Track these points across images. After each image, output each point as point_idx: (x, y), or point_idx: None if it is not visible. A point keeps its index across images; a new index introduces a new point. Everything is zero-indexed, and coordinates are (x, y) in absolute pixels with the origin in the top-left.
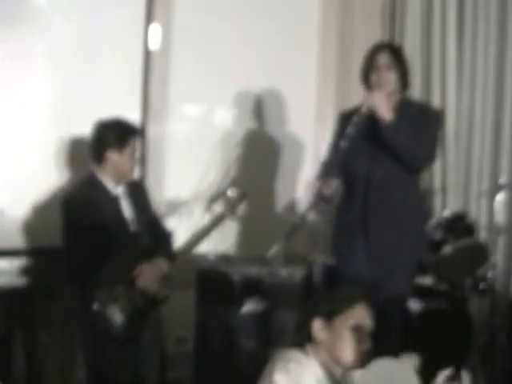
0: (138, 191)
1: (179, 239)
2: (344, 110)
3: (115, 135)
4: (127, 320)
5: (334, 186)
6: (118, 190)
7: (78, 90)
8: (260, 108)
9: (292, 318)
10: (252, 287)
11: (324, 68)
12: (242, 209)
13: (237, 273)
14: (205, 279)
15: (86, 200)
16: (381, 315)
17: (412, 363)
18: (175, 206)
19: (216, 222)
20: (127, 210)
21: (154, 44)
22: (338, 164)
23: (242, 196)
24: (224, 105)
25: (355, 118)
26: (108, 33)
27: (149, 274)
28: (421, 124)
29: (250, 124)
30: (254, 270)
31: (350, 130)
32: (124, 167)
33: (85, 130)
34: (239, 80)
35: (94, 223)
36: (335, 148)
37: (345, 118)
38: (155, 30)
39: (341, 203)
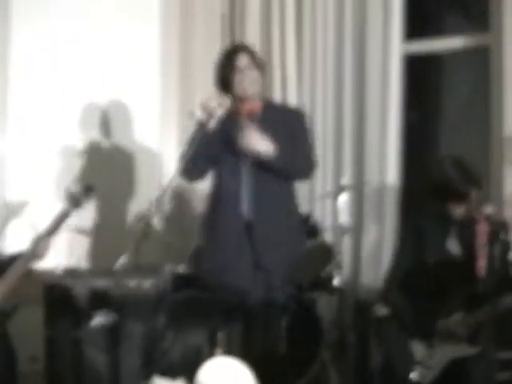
0: None
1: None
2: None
3: None
4: None
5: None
6: None
7: None
8: (105, 120)
9: (141, 329)
10: (100, 300)
11: (166, 73)
12: (93, 219)
13: (84, 286)
14: (52, 294)
15: None
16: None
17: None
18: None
19: (62, 219)
20: None
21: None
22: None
23: (88, 190)
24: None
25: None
26: None
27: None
28: (295, 130)
29: (96, 136)
30: (101, 283)
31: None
32: None
33: None
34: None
35: None
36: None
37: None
38: None
39: (217, 212)
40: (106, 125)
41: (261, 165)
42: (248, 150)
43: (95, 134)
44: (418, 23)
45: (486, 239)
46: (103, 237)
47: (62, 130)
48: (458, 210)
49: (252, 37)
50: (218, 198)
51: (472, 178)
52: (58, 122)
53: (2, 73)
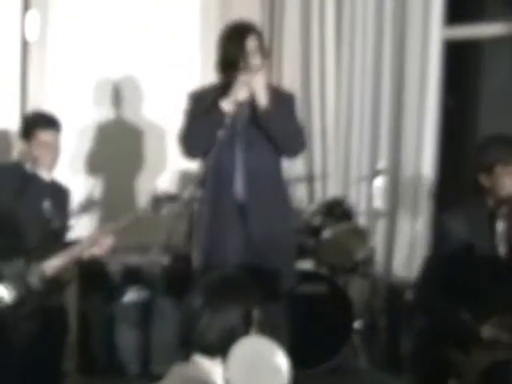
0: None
1: None
2: (195, 90)
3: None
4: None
5: None
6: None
7: None
8: (119, 95)
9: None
10: (133, 277)
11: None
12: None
13: (118, 262)
14: (86, 269)
15: None
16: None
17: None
18: None
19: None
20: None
21: (31, 33)
22: (213, 152)
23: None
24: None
25: (233, 109)
26: None
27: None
28: (287, 111)
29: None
30: (135, 260)
31: (227, 120)
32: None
33: None
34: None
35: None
36: (189, 129)
37: (196, 98)
38: (32, 18)
39: (213, 191)
40: (118, 99)
41: (255, 124)
42: (250, 90)
43: (108, 109)
44: (458, 8)
45: None
46: (110, 212)
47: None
48: (497, 205)
49: (291, 13)
50: (212, 177)
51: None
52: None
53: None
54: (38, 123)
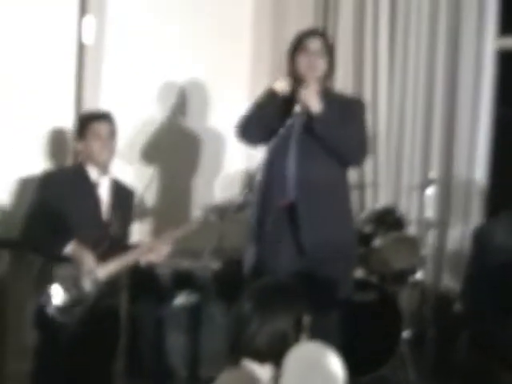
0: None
1: None
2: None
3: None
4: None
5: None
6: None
7: (12, 83)
8: (184, 100)
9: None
10: (184, 281)
11: (257, 58)
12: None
13: (168, 266)
14: (136, 272)
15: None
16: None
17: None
18: None
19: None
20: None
21: (88, 37)
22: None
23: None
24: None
25: (289, 120)
26: (42, 25)
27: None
28: (350, 116)
29: (173, 116)
30: (185, 264)
31: (281, 129)
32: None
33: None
34: (169, 73)
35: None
36: (253, 113)
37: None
38: (89, 22)
39: (263, 198)
40: (182, 103)
41: (309, 130)
42: (301, 103)
43: (172, 112)
44: None
45: None
46: (165, 216)
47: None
48: None
49: (345, 23)
50: (264, 182)
51: None
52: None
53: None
54: (91, 117)
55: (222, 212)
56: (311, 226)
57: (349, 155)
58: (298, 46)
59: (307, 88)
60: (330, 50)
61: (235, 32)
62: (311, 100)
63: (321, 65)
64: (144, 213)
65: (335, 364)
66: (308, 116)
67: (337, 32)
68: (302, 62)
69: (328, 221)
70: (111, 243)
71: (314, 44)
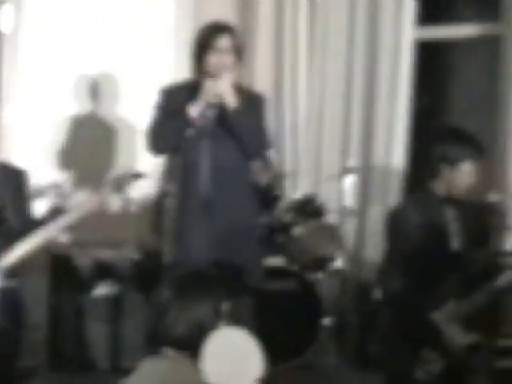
0: None
1: None
2: (167, 86)
3: None
4: None
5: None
6: None
7: None
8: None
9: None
10: (104, 271)
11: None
12: None
13: (89, 257)
14: (57, 263)
15: None
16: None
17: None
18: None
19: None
20: None
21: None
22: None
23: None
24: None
25: (200, 109)
26: None
27: None
28: (256, 112)
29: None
30: (106, 254)
31: (196, 119)
32: None
33: None
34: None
35: None
36: (164, 122)
37: (169, 94)
38: (6, 11)
39: (181, 186)
40: (95, 96)
41: (223, 123)
42: (216, 93)
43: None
44: (430, 9)
45: (481, 226)
46: None
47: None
48: (457, 192)
49: (264, 13)
50: (179, 173)
51: (468, 147)
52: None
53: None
54: None
55: (119, 182)
56: (224, 215)
57: (257, 148)
58: (206, 43)
59: (222, 81)
60: (238, 45)
61: (154, 23)
62: (227, 94)
63: (231, 62)
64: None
65: (253, 349)
66: (221, 109)
67: (256, 21)
68: (212, 60)
69: (239, 209)
70: (7, 227)
71: (224, 42)
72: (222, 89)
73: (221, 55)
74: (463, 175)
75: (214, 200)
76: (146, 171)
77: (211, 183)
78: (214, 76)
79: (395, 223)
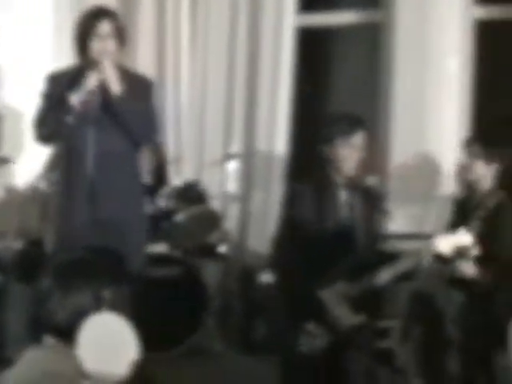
0: None
1: None
2: (54, 72)
3: None
4: None
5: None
6: None
7: None
8: None
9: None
10: None
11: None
12: None
13: None
14: None
15: None
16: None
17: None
18: None
19: None
20: None
21: None
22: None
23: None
24: None
25: (82, 95)
26: None
27: None
28: (142, 96)
29: None
30: None
31: (78, 106)
32: None
33: None
34: None
35: None
36: (47, 110)
37: (56, 80)
38: None
39: (66, 173)
40: None
41: (107, 110)
42: (100, 78)
43: None
44: None
45: (366, 210)
46: None
47: None
48: (342, 178)
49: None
50: (64, 160)
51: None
52: None
53: None
54: None
55: None
56: (109, 201)
57: (143, 134)
58: (88, 29)
59: (105, 67)
60: (120, 28)
61: (34, 10)
62: (110, 80)
63: (114, 47)
64: None
65: (128, 334)
66: (105, 95)
67: (138, 6)
68: (94, 46)
69: (125, 195)
70: None
71: (105, 27)
72: (105, 75)
73: (103, 41)
74: (352, 151)
75: (99, 186)
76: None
77: (96, 169)
78: (97, 62)
79: (290, 207)
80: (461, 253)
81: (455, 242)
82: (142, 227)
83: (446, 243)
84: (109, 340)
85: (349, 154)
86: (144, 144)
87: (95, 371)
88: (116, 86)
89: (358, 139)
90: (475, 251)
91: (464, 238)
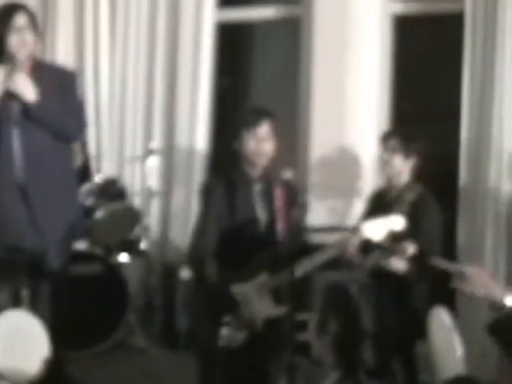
0: None
1: None
2: None
3: None
4: None
5: None
6: None
7: None
8: None
9: None
10: None
11: None
12: None
13: None
14: None
15: None
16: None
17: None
18: None
19: None
20: None
21: None
22: None
23: None
24: None
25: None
26: None
27: None
28: (66, 91)
29: None
30: None
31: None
32: None
33: None
34: None
35: None
36: None
37: None
38: None
39: None
40: None
41: (28, 116)
42: (11, 89)
43: None
44: None
45: (283, 203)
46: None
47: None
48: (255, 172)
49: None
50: None
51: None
52: None
53: None
54: None
55: None
56: (41, 203)
57: (69, 132)
58: (4, 23)
59: (18, 75)
60: (35, 22)
61: None
62: (25, 88)
63: (31, 40)
64: None
65: (39, 331)
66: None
67: (56, 4)
68: (13, 40)
69: (57, 196)
70: None
71: (21, 20)
72: (19, 84)
73: (21, 33)
74: (259, 142)
75: (28, 186)
76: None
77: (24, 169)
78: (15, 56)
79: (205, 201)
80: (392, 238)
81: (387, 227)
82: (66, 226)
83: (375, 228)
84: (19, 337)
85: (256, 145)
86: (73, 140)
87: (6, 369)
88: (30, 95)
89: (263, 130)
90: (412, 250)
91: (396, 221)
